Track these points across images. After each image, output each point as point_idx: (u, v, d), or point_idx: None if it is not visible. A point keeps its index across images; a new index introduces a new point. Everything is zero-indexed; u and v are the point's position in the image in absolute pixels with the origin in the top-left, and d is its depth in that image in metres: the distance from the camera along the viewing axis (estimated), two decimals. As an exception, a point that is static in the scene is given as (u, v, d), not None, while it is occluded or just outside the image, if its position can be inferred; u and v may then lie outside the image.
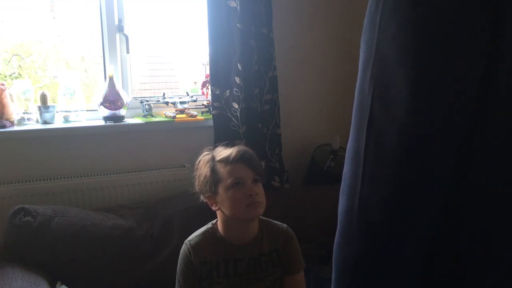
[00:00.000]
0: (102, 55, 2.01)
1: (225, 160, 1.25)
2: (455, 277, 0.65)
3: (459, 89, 0.60)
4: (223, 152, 1.28)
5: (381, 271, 0.68)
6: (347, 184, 0.71)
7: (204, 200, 1.31)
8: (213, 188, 1.24)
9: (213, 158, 1.28)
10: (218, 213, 1.29)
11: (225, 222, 1.28)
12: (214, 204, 1.27)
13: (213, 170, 1.25)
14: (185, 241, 1.30)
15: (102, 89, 1.89)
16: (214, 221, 1.34)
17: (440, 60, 0.60)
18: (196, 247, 1.27)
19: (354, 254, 0.70)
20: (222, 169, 1.24)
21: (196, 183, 1.32)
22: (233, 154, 1.25)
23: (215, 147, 1.34)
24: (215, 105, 1.94)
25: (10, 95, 1.77)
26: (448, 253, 0.66)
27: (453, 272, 0.65)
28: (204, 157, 1.31)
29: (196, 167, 1.33)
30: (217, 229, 1.31)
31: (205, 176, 1.26)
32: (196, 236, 1.30)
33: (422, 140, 0.62)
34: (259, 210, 1.24)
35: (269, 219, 1.36)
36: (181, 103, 2.06)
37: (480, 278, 0.64)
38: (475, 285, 0.64)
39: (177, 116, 1.98)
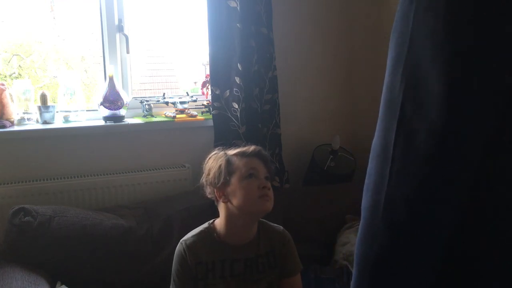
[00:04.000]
0: (102, 55, 2.01)
1: (242, 154, 1.28)
2: (471, 278, 0.65)
3: (495, 88, 0.59)
4: (237, 149, 1.31)
5: (403, 268, 0.68)
6: (373, 180, 0.70)
7: (209, 195, 1.31)
8: (227, 178, 1.25)
9: (226, 153, 1.30)
10: (223, 207, 1.28)
11: (229, 217, 1.27)
12: (223, 197, 1.26)
13: (228, 161, 1.27)
14: (181, 241, 1.30)
15: (102, 89, 1.89)
16: (211, 221, 1.33)
17: (476, 58, 0.59)
18: (191, 247, 1.27)
19: (377, 250, 0.70)
20: (238, 161, 1.26)
21: (204, 175, 1.32)
22: (250, 149, 1.29)
23: (223, 147, 1.35)
24: (215, 105, 1.94)
25: (10, 95, 1.77)
26: (467, 254, 0.65)
27: (470, 273, 0.65)
28: (215, 154, 1.32)
29: (205, 162, 1.33)
30: (214, 229, 1.30)
31: (219, 167, 1.26)
32: (192, 236, 1.30)
33: (454, 139, 0.61)
34: (270, 204, 1.25)
35: (266, 221, 1.36)
36: (181, 103, 2.06)
37: (496, 282, 0.63)
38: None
39: (177, 116, 1.98)
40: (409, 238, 0.66)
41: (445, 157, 0.62)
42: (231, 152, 1.30)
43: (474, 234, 0.64)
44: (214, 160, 1.30)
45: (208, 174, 1.29)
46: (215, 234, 1.29)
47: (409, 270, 0.67)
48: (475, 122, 0.60)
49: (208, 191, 1.31)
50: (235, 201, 1.24)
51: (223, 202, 1.27)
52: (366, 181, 0.73)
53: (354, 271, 0.75)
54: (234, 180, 1.24)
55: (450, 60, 0.60)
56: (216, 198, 1.29)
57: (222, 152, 1.31)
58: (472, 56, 0.60)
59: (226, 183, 1.25)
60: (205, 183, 1.31)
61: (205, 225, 1.33)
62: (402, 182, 0.66)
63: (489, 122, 0.60)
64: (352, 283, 0.77)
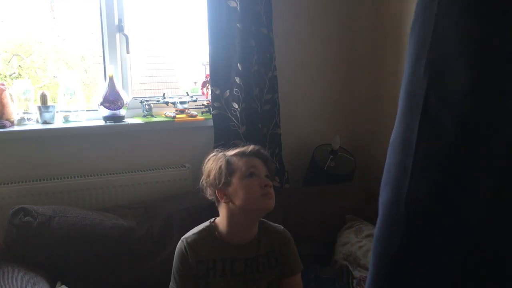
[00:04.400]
0: (102, 55, 2.01)
1: (241, 154, 1.29)
2: (496, 276, 0.63)
3: None
4: (236, 149, 1.31)
5: (424, 263, 0.66)
6: (393, 175, 0.69)
7: (210, 196, 1.31)
8: (228, 179, 1.25)
9: (225, 154, 1.30)
10: (224, 208, 1.28)
11: (230, 218, 1.27)
12: (225, 197, 1.26)
13: (228, 162, 1.27)
14: (182, 238, 1.30)
15: (102, 89, 1.89)
16: (212, 219, 1.33)
17: (508, 48, 0.57)
18: (192, 245, 1.27)
19: (397, 247, 0.68)
20: (237, 161, 1.27)
21: (204, 177, 1.32)
22: (250, 148, 1.30)
23: (222, 148, 1.35)
24: (215, 105, 1.94)
25: (10, 95, 1.77)
26: (493, 251, 0.63)
27: (495, 271, 0.63)
28: (214, 155, 1.32)
29: (204, 164, 1.33)
30: (215, 227, 1.31)
31: (219, 168, 1.27)
32: (193, 234, 1.30)
33: (482, 129, 0.60)
34: (272, 202, 1.25)
35: (267, 221, 1.36)
36: (181, 103, 2.06)
37: None
38: None
39: (177, 116, 1.98)
40: (432, 232, 0.65)
41: (473, 148, 0.61)
42: (230, 152, 1.30)
43: (501, 229, 0.62)
44: (213, 162, 1.30)
45: (208, 176, 1.29)
46: (216, 233, 1.29)
47: (430, 266, 0.66)
48: (503, 114, 0.59)
49: (209, 192, 1.31)
50: (237, 201, 1.24)
51: (224, 202, 1.27)
52: (384, 176, 0.72)
53: (371, 269, 0.74)
54: (235, 180, 1.25)
55: (478, 50, 0.58)
56: (217, 199, 1.29)
57: (221, 153, 1.31)
58: (503, 46, 0.58)
59: (227, 183, 1.25)
60: (205, 185, 1.31)
61: (206, 223, 1.33)
62: (426, 175, 0.64)
63: None
64: (368, 282, 0.75)
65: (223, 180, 1.25)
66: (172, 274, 1.29)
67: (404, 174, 0.66)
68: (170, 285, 1.29)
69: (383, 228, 0.71)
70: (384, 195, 0.71)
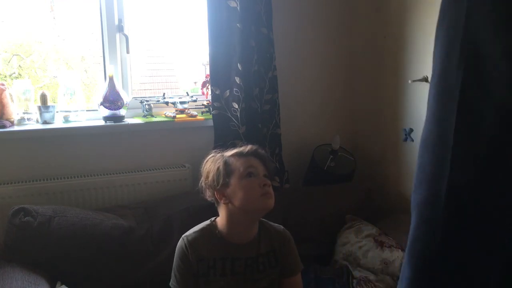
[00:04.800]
0: (102, 55, 2.01)
1: (239, 154, 1.29)
2: None
3: None
4: (234, 150, 1.31)
5: (466, 262, 0.64)
6: (429, 172, 0.66)
7: (210, 198, 1.31)
8: (226, 180, 1.25)
9: (223, 155, 1.30)
10: (224, 209, 1.28)
11: (230, 218, 1.27)
12: (224, 198, 1.26)
13: (226, 163, 1.27)
14: (183, 236, 1.31)
15: (102, 89, 1.89)
16: (213, 218, 1.33)
17: None
18: (193, 243, 1.28)
19: (438, 246, 0.65)
20: (235, 162, 1.27)
21: (203, 179, 1.32)
22: (247, 148, 1.30)
23: (220, 149, 1.35)
24: (215, 105, 1.94)
25: (10, 95, 1.77)
26: None
27: None
28: (212, 157, 1.32)
29: (203, 166, 1.33)
30: (216, 226, 1.31)
31: (217, 169, 1.27)
32: (194, 232, 1.30)
33: None
34: (271, 201, 1.25)
35: (267, 221, 1.36)
36: (181, 103, 2.05)
37: None
38: None
39: (177, 116, 1.98)
40: (475, 228, 0.62)
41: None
42: (228, 153, 1.30)
43: None
44: (211, 163, 1.30)
45: (207, 177, 1.30)
46: (216, 232, 1.29)
47: (473, 264, 0.63)
48: None
49: (208, 194, 1.31)
50: (236, 202, 1.24)
51: (224, 203, 1.27)
52: (418, 175, 0.68)
53: (408, 273, 0.70)
54: (233, 180, 1.25)
55: None
56: (216, 200, 1.29)
57: (219, 154, 1.31)
58: None
59: (225, 184, 1.25)
60: (204, 186, 1.31)
61: (207, 222, 1.33)
62: (466, 168, 0.62)
63: None
64: (403, 284, 0.72)
65: (221, 181, 1.25)
66: (172, 272, 1.30)
67: (442, 168, 0.64)
68: (170, 283, 1.30)
69: (420, 229, 0.67)
70: (419, 195, 0.68)
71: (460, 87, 0.62)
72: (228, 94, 1.94)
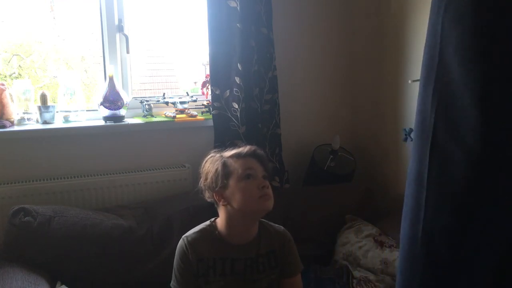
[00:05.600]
0: (102, 55, 2.01)
1: (237, 155, 1.28)
2: None
3: None
4: (233, 150, 1.30)
5: None
6: (410, 207, 0.66)
7: (209, 199, 1.31)
8: (224, 181, 1.24)
9: (222, 156, 1.29)
10: (223, 210, 1.28)
11: (229, 219, 1.27)
12: (222, 200, 1.26)
13: (224, 165, 1.26)
14: (183, 237, 1.31)
15: (102, 89, 1.89)
16: (213, 219, 1.33)
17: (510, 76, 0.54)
18: (193, 243, 1.28)
19: (418, 282, 0.66)
20: (234, 163, 1.26)
21: (202, 180, 1.32)
22: (245, 149, 1.29)
23: (219, 149, 1.34)
24: (215, 105, 1.94)
25: (10, 95, 1.77)
26: None
27: None
28: (211, 157, 1.32)
29: (202, 167, 1.33)
30: (216, 227, 1.31)
31: (216, 171, 1.26)
32: (194, 233, 1.31)
33: (494, 166, 0.56)
34: (270, 203, 1.25)
35: (267, 221, 1.36)
36: (181, 103, 2.06)
37: None
38: None
39: (177, 116, 1.98)
40: (451, 272, 0.62)
41: (484, 182, 0.57)
42: (227, 154, 1.30)
43: None
44: (210, 164, 1.30)
45: (206, 179, 1.29)
46: (216, 232, 1.29)
47: None
48: None
49: (207, 195, 1.31)
50: (235, 204, 1.24)
51: (222, 205, 1.27)
52: (404, 207, 0.69)
53: None
54: (232, 182, 1.24)
55: (483, 81, 0.55)
56: (215, 201, 1.29)
57: (218, 155, 1.31)
58: (508, 76, 0.54)
59: (224, 186, 1.25)
60: (203, 187, 1.31)
61: (207, 222, 1.33)
62: (439, 213, 0.62)
63: None
64: None
65: (219, 183, 1.25)
66: (173, 272, 1.30)
67: (419, 208, 0.64)
68: (171, 283, 1.30)
69: (405, 262, 0.68)
70: (403, 229, 0.69)
71: (433, 123, 0.62)
72: (228, 94, 1.94)
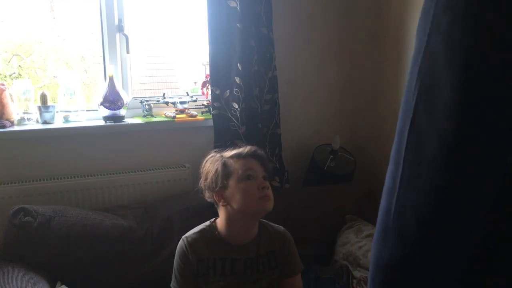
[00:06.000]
0: (102, 55, 2.01)
1: (237, 155, 1.28)
2: None
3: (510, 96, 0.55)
4: (233, 151, 1.30)
5: (415, 275, 0.66)
6: (387, 184, 0.69)
7: (209, 199, 1.31)
8: (224, 182, 1.24)
9: (222, 156, 1.29)
10: (223, 210, 1.28)
11: (229, 220, 1.27)
12: (222, 200, 1.26)
13: (224, 165, 1.26)
14: (183, 237, 1.31)
15: (102, 89, 1.89)
16: (213, 219, 1.34)
17: (494, 66, 0.55)
18: (193, 243, 1.28)
19: (388, 256, 0.68)
20: (234, 163, 1.26)
21: (202, 180, 1.32)
22: (246, 150, 1.29)
23: (220, 149, 1.34)
24: (215, 105, 1.94)
25: (10, 95, 1.77)
26: (492, 268, 0.61)
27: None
28: (211, 157, 1.32)
29: (202, 166, 1.33)
30: (216, 227, 1.31)
31: (216, 171, 1.26)
32: (194, 233, 1.31)
33: (464, 149, 0.58)
34: (270, 204, 1.25)
35: (267, 221, 1.36)
36: (181, 103, 2.06)
37: None
38: None
39: (177, 116, 1.98)
40: (420, 249, 0.64)
41: (454, 168, 0.59)
42: (227, 154, 1.30)
43: (499, 245, 0.60)
44: (210, 164, 1.30)
45: (206, 179, 1.30)
46: (216, 233, 1.29)
47: (423, 278, 0.65)
48: (489, 135, 0.57)
49: (207, 195, 1.31)
50: (235, 204, 1.24)
51: (222, 205, 1.27)
52: (385, 182, 0.71)
53: (369, 273, 0.73)
54: (231, 183, 1.24)
55: (465, 67, 0.57)
56: (215, 201, 1.29)
57: (218, 155, 1.31)
58: (490, 64, 0.56)
59: (224, 186, 1.25)
60: (203, 187, 1.31)
61: (207, 223, 1.33)
62: (411, 190, 0.64)
63: (507, 137, 0.55)
64: (368, 285, 0.75)
65: (219, 183, 1.25)
66: (173, 272, 1.30)
67: (394, 184, 0.66)
68: (171, 284, 1.30)
69: (378, 234, 0.71)
70: (381, 203, 0.71)
71: (414, 105, 0.64)
72: (228, 94, 1.94)
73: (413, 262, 0.65)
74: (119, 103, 1.86)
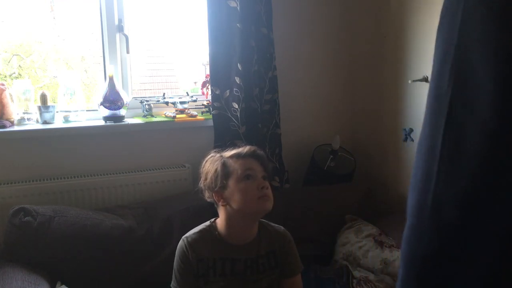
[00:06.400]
0: (102, 55, 2.01)
1: (237, 155, 1.27)
2: None
3: None
4: (233, 150, 1.30)
5: (451, 270, 0.65)
6: (419, 179, 0.68)
7: (209, 199, 1.31)
8: (224, 182, 1.24)
9: (222, 156, 1.29)
10: (223, 210, 1.28)
11: (229, 220, 1.27)
12: (222, 200, 1.26)
13: (224, 165, 1.26)
14: (183, 237, 1.31)
15: (102, 89, 1.89)
16: (213, 219, 1.33)
17: None
18: (193, 243, 1.28)
19: (424, 251, 0.67)
20: (233, 163, 1.26)
21: (202, 180, 1.32)
22: (245, 150, 1.29)
23: (219, 149, 1.34)
24: (215, 105, 1.94)
25: (10, 95, 1.77)
26: None
27: None
28: (211, 157, 1.32)
29: (202, 166, 1.33)
30: (216, 227, 1.31)
31: (215, 171, 1.26)
32: (194, 233, 1.31)
33: (507, 140, 0.58)
34: (270, 204, 1.25)
35: (267, 221, 1.36)
36: (181, 103, 2.06)
37: None
38: None
39: (177, 116, 1.98)
40: (458, 241, 0.64)
41: (499, 159, 0.59)
42: (227, 154, 1.29)
43: None
44: (210, 164, 1.30)
45: (206, 179, 1.29)
46: (216, 233, 1.29)
47: (459, 273, 0.65)
48: None
49: (207, 195, 1.31)
50: (234, 204, 1.24)
51: (222, 205, 1.27)
52: (412, 179, 0.70)
53: (400, 271, 0.73)
54: (231, 183, 1.24)
55: (504, 59, 0.57)
56: (215, 201, 1.29)
57: (218, 155, 1.30)
58: None
59: (223, 186, 1.25)
60: (203, 187, 1.31)
61: (207, 223, 1.33)
62: (451, 184, 0.63)
63: None
64: (397, 283, 0.75)
65: (219, 183, 1.25)
66: (173, 272, 1.30)
67: (430, 179, 0.65)
68: (171, 284, 1.30)
69: (411, 231, 0.70)
70: (410, 199, 0.70)
71: (449, 100, 0.63)
72: (228, 94, 1.94)
73: (449, 258, 0.65)
74: (119, 103, 1.86)
